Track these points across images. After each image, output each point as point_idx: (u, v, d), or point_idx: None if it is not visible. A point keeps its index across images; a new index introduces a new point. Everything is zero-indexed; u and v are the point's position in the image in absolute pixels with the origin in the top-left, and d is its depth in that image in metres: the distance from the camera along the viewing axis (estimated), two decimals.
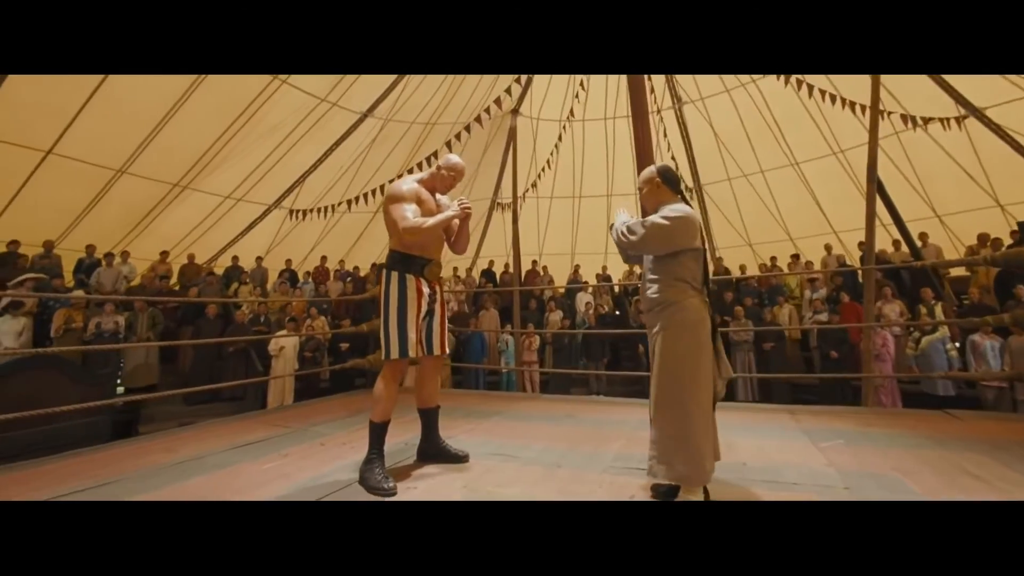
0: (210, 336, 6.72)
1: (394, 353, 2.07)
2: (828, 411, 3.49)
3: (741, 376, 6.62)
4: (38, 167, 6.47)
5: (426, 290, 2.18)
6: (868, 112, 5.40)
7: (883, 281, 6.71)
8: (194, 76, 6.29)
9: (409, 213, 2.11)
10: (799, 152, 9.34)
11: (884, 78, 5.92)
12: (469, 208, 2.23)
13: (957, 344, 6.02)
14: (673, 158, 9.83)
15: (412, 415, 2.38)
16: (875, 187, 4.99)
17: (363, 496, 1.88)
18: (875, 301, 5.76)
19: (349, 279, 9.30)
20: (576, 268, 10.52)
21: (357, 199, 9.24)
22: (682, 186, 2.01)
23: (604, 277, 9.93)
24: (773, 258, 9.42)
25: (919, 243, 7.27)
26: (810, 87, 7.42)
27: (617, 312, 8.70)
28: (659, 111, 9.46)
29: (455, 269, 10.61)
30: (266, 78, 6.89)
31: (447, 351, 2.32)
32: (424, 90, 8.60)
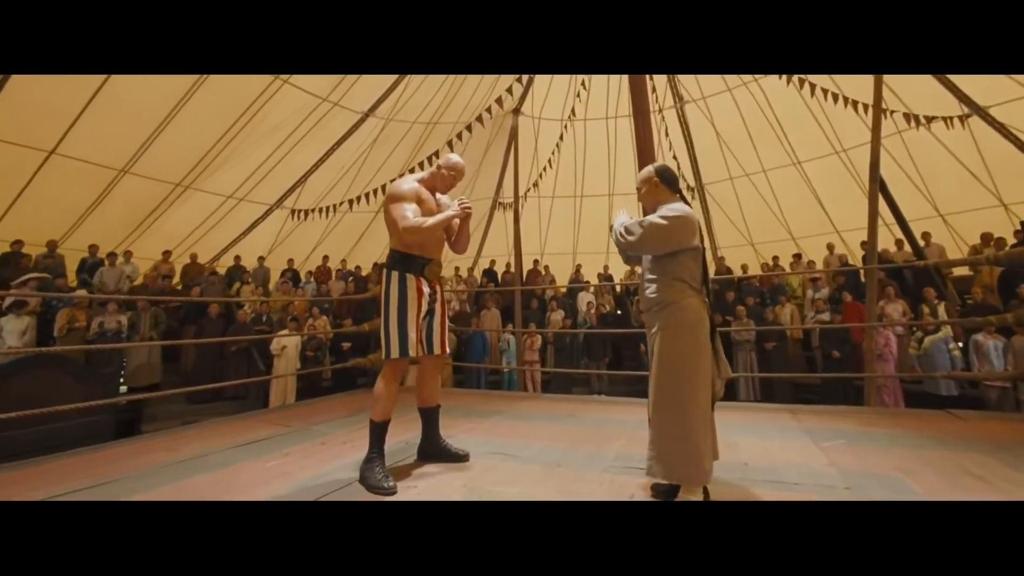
0: (212, 336, 6.74)
1: (394, 352, 2.08)
2: (830, 411, 3.48)
3: (743, 376, 6.61)
4: (41, 167, 6.50)
5: (426, 290, 2.18)
6: (871, 111, 5.39)
7: (886, 281, 6.69)
8: (196, 76, 6.31)
9: (409, 213, 2.12)
10: (801, 151, 9.31)
11: (887, 77, 5.90)
12: (469, 208, 2.23)
13: (960, 344, 6.00)
14: (675, 157, 9.81)
15: (413, 414, 2.38)
16: (877, 186, 4.98)
17: (363, 494, 1.88)
18: (878, 301, 5.76)
19: (351, 279, 9.31)
20: (578, 267, 10.52)
21: (359, 199, 9.26)
22: (681, 185, 2.01)
23: (606, 277, 9.92)
24: (775, 257, 9.39)
25: (922, 242, 7.24)
26: (812, 86, 7.39)
27: (619, 312, 8.69)
28: (661, 110, 9.43)
29: (456, 268, 10.61)
30: (268, 78, 6.90)
31: (447, 350, 2.32)
32: (425, 90, 8.61)
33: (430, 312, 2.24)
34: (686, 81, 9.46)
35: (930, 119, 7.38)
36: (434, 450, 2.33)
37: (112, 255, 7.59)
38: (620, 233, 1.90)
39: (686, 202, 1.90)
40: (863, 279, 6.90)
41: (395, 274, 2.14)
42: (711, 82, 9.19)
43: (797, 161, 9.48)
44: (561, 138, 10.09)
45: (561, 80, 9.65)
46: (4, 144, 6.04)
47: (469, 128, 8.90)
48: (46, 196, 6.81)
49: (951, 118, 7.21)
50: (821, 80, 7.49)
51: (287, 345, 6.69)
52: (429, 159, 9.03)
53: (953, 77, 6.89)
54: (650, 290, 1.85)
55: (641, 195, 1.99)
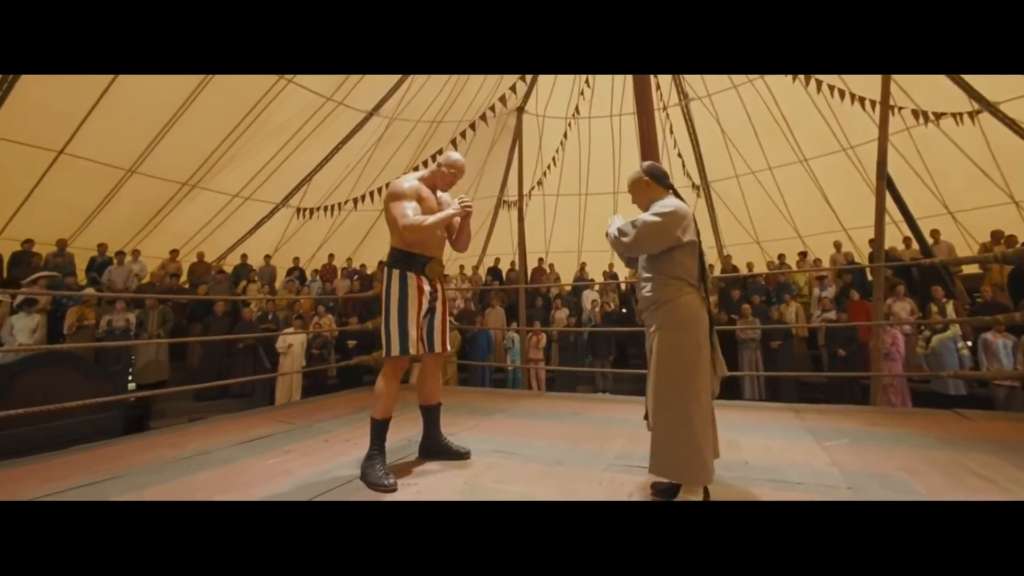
0: (219, 333, 6.80)
1: (395, 350, 2.09)
2: (834, 410, 3.46)
3: (748, 374, 6.58)
4: (51, 167, 6.59)
5: (427, 288, 2.19)
6: (878, 107, 5.33)
7: (895, 279, 6.62)
8: (201, 76, 6.36)
9: (409, 211, 2.12)
10: (808, 148, 9.23)
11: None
12: (470, 206, 2.24)
13: (969, 343, 5.93)
14: (680, 155, 9.76)
15: (416, 412, 2.40)
16: (885, 184, 4.92)
17: (364, 491, 1.90)
18: (886, 299, 5.70)
19: (356, 277, 9.36)
20: (582, 266, 10.51)
21: (363, 197, 9.30)
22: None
23: (610, 275, 9.91)
24: (781, 256, 9.33)
25: (930, 240, 7.16)
26: (819, 82, 7.33)
27: (623, 310, 8.67)
28: (665, 108, 9.39)
29: (461, 267, 10.64)
30: (272, 77, 6.94)
31: (448, 349, 2.33)
32: (429, 88, 8.62)
33: (431, 310, 2.24)
34: (691, 78, 9.40)
35: (939, 115, 7.29)
36: (435, 448, 2.34)
37: (120, 254, 7.68)
38: (615, 236, 1.89)
39: (679, 197, 1.90)
40: (870, 277, 6.84)
41: (396, 272, 2.15)
42: (716, 79, 9.13)
43: (803, 158, 9.40)
44: (565, 136, 10.06)
45: (565, 78, 9.62)
46: (14, 144, 6.12)
47: (473, 126, 8.90)
48: (56, 195, 6.91)
49: (961, 114, 7.12)
50: (828, 76, 7.42)
51: (293, 343, 6.74)
52: (433, 157, 9.05)
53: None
54: (646, 289, 1.85)
55: (634, 197, 1.99)
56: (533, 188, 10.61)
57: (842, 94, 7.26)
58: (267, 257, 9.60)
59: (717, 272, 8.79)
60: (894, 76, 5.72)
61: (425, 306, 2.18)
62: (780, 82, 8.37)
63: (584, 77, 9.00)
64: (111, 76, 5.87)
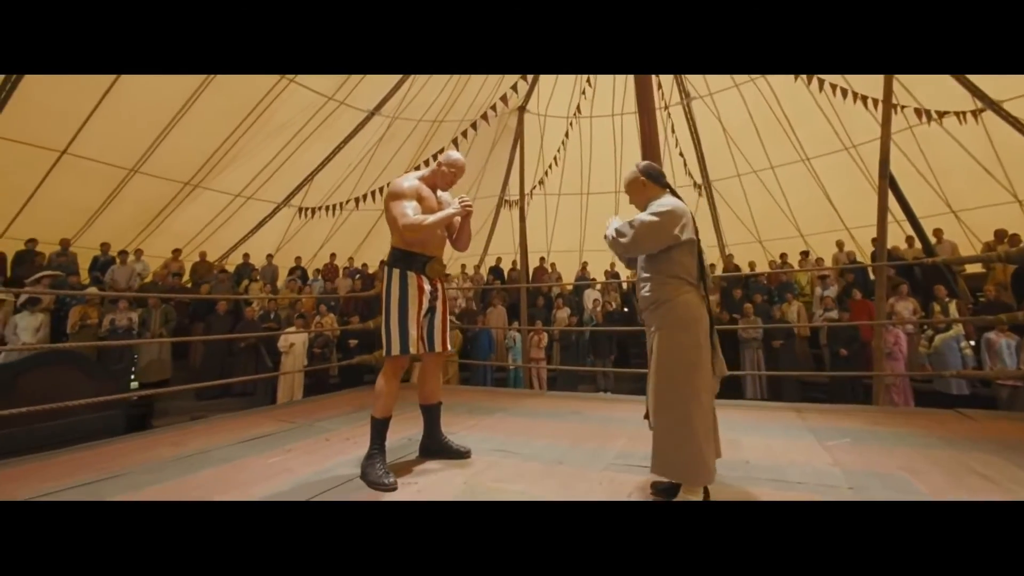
0: (221, 333, 6.82)
1: (395, 349, 2.09)
2: (835, 409, 3.45)
3: (750, 373, 6.56)
4: (54, 167, 6.61)
5: (427, 287, 2.19)
6: (881, 106, 5.31)
7: (897, 279, 6.60)
8: (203, 76, 6.37)
9: (409, 210, 2.12)
10: (810, 147, 9.20)
11: None
12: (470, 206, 2.23)
13: (972, 342, 5.90)
14: (681, 154, 9.75)
15: (416, 411, 2.40)
16: (887, 183, 4.90)
17: (364, 490, 1.90)
18: (889, 298, 5.68)
19: (358, 276, 9.37)
20: (584, 265, 10.50)
21: (365, 197, 9.31)
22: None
23: (612, 274, 9.89)
24: (783, 255, 9.31)
25: (933, 239, 7.14)
26: (821, 81, 7.30)
27: (625, 309, 8.66)
28: (667, 107, 9.37)
29: (463, 266, 10.64)
30: (274, 77, 6.95)
31: (449, 348, 2.33)
32: (431, 88, 8.62)
33: (431, 310, 2.24)
34: (692, 77, 9.38)
35: (942, 114, 7.26)
36: (436, 447, 2.34)
37: (123, 253, 7.70)
38: (613, 237, 1.88)
39: (676, 195, 1.88)
40: (872, 276, 6.81)
41: (396, 271, 2.15)
42: (718, 78, 9.10)
43: (806, 157, 9.37)
44: (567, 135, 10.05)
45: (566, 78, 9.61)
46: (18, 144, 6.15)
47: (474, 126, 8.90)
48: (59, 195, 6.93)
49: (963, 113, 7.09)
50: (830, 75, 7.39)
51: (295, 342, 6.76)
52: (434, 157, 9.05)
53: None
54: (645, 289, 1.84)
55: (632, 198, 1.97)
56: (534, 187, 10.61)
57: (844, 93, 7.23)
58: (269, 256, 9.62)
59: (719, 271, 8.78)
60: (896, 75, 5.69)
61: (425, 305, 2.18)
62: (782, 81, 8.34)
63: (585, 76, 8.98)
64: (113, 76, 5.89)
